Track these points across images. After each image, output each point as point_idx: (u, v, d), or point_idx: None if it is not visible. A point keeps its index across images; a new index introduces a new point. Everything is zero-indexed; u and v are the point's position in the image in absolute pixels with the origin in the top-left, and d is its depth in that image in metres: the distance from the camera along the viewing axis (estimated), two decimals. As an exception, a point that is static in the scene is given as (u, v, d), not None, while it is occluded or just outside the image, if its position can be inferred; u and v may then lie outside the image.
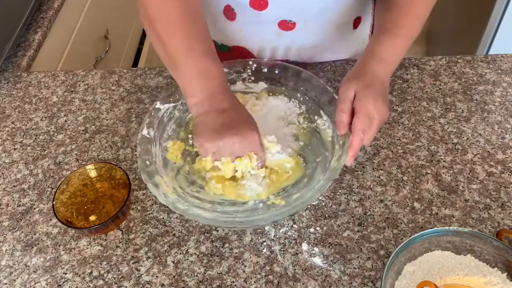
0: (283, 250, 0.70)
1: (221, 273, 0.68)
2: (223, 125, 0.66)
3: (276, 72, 0.82)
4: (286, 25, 0.85)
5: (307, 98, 0.80)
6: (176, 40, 0.68)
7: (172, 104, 0.79)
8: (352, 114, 0.69)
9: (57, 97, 0.95)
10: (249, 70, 0.83)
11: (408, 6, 0.74)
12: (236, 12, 0.85)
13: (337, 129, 0.70)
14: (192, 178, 0.73)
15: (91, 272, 0.69)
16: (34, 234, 0.74)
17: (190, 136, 0.78)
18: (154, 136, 0.75)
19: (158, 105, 0.77)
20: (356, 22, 0.91)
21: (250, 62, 0.82)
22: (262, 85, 0.83)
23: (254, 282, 0.67)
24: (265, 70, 0.82)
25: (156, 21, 0.68)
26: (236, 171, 0.69)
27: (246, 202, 0.70)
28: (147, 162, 0.71)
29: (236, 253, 0.70)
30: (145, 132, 0.74)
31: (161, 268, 0.69)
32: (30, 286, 0.68)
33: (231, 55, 0.93)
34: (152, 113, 0.77)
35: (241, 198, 0.70)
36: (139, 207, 0.76)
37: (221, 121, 0.67)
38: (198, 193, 0.71)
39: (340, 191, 0.76)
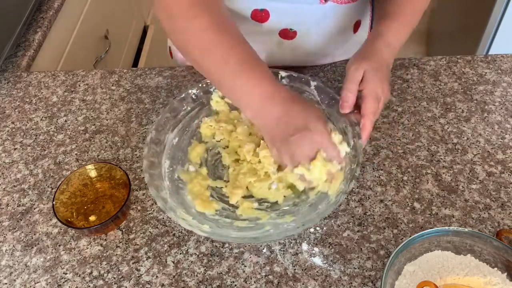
0: (283, 250, 0.70)
1: (221, 273, 0.68)
2: (283, 134, 0.65)
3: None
4: (287, 34, 0.85)
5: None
6: (210, 60, 0.67)
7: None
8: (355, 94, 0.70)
9: (57, 97, 0.95)
10: None
11: None
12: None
13: (341, 107, 0.71)
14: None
15: (91, 272, 0.69)
16: (34, 234, 0.74)
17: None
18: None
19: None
20: (356, 26, 0.91)
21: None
22: None
23: (254, 282, 0.67)
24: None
25: (187, 45, 0.68)
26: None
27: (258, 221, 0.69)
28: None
29: (236, 253, 0.70)
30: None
31: (161, 268, 0.69)
32: (30, 286, 0.68)
33: None
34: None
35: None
36: (139, 207, 0.76)
37: (281, 130, 0.65)
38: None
39: (340, 191, 0.76)
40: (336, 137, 0.67)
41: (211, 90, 0.80)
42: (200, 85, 0.79)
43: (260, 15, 0.81)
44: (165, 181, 0.72)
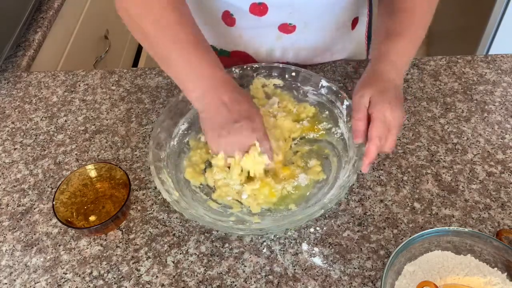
0: (283, 250, 0.70)
1: (221, 273, 0.68)
2: (226, 120, 0.67)
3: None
4: (286, 28, 0.85)
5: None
6: (164, 37, 0.68)
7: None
8: (369, 121, 0.68)
9: (57, 97, 0.95)
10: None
11: (413, 11, 0.75)
12: (235, 18, 0.85)
13: (354, 138, 0.69)
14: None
15: (91, 272, 0.69)
16: (34, 234, 0.74)
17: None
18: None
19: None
20: (354, 23, 0.91)
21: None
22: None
23: (254, 282, 0.67)
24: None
25: (141, 17, 0.69)
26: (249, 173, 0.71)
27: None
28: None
29: (236, 253, 0.70)
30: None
31: (161, 268, 0.69)
32: (30, 286, 0.68)
33: (231, 60, 0.93)
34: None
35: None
36: (139, 207, 0.76)
37: (224, 116, 0.67)
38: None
39: (340, 191, 0.76)
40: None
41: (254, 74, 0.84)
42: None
43: (259, 9, 0.81)
44: (173, 141, 0.77)
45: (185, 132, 0.79)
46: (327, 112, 0.80)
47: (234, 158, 0.69)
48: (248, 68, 0.83)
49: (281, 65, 0.82)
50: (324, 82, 0.80)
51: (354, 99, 0.70)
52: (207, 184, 0.74)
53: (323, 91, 0.80)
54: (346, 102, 0.77)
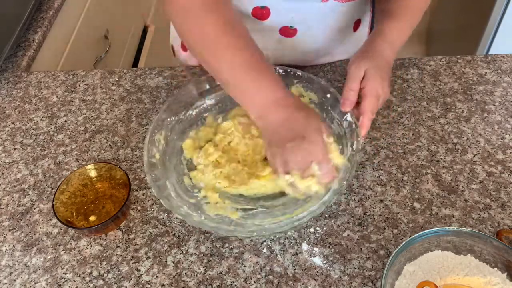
0: (283, 250, 0.70)
1: (221, 273, 0.68)
2: (283, 139, 0.65)
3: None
4: (287, 31, 0.85)
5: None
6: (219, 59, 0.67)
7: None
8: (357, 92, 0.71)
9: (57, 97, 0.95)
10: None
11: None
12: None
13: (342, 105, 0.71)
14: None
15: (91, 272, 0.69)
16: (34, 234, 0.74)
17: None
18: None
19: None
20: (356, 25, 0.91)
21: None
22: None
23: (254, 282, 0.67)
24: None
25: (197, 43, 0.68)
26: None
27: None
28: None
29: (236, 253, 0.70)
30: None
31: (161, 268, 0.69)
32: (30, 286, 0.68)
33: None
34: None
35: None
36: (139, 207, 0.76)
37: (282, 135, 0.65)
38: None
39: (340, 191, 0.76)
40: (333, 146, 0.67)
41: None
42: None
43: (261, 13, 0.81)
44: (192, 110, 0.80)
45: (208, 107, 0.81)
46: (340, 147, 0.74)
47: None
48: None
49: (322, 82, 0.78)
50: (348, 116, 0.74)
51: (350, 69, 0.72)
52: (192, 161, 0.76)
53: (345, 124, 0.75)
54: (355, 144, 0.73)
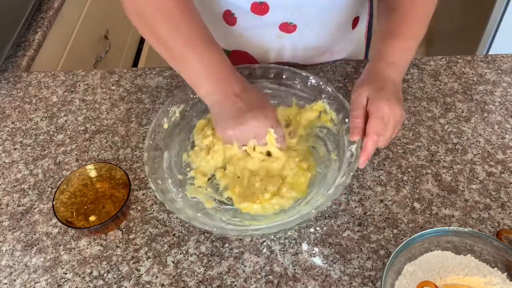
0: (283, 250, 0.70)
1: (221, 273, 0.68)
2: (240, 110, 0.69)
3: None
4: (287, 27, 0.85)
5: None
6: (176, 37, 0.69)
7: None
8: (367, 118, 0.68)
9: (57, 97, 0.95)
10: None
11: (412, 10, 0.75)
12: (236, 17, 0.85)
13: (351, 135, 0.68)
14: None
15: (91, 272, 0.69)
16: (34, 234, 0.74)
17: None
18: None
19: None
20: (355, 22, 0.91)
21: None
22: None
23: (254, 282, 0.67)
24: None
25: (153, 21, 0.70)
26: (268, 152, 0.73)
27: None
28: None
29: (236, 253, 0.70)
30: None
31: (161, 268, 0.69)
32: (30, 286, 0.68)
33: (231, 59, 0.92)
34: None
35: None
36: (139, 207, 0.76)
37: (237, 107, 0.69)
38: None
39: (340, 191, 0.76)
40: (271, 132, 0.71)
41: None
42: None
43: (260, 8, 0.81)
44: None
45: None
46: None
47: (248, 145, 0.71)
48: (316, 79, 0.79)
49: (346, 105, 0.74)
50: (353, 148, 0.69)
51: (352, 98, 0.70)
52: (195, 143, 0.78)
53: (348, 154, 0.71)
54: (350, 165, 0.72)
